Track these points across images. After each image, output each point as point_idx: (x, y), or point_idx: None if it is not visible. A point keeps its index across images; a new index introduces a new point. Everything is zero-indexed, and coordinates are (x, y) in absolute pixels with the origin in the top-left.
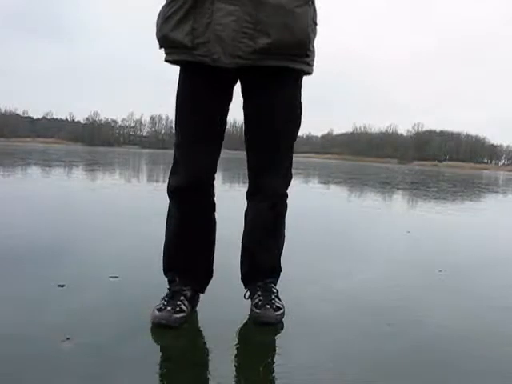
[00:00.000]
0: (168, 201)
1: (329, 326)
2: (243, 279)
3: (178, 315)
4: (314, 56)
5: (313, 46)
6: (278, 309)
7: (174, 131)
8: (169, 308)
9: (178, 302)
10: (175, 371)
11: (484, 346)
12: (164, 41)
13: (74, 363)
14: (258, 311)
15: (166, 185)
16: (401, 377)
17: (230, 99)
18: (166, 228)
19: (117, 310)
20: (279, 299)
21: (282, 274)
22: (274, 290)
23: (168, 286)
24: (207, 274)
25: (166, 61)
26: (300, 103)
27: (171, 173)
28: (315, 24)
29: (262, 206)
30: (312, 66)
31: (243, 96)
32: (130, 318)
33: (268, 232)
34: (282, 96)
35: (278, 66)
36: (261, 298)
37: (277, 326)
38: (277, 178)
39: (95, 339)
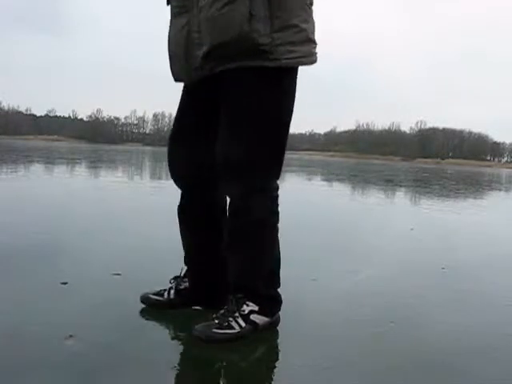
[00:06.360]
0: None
1: (329, 325)
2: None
3: None
4: (283, 48)
5: (273, 38)
6: (227, 327)
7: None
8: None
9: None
10: (178, 369)
11: (485, 345)
12: None
13: (77, 360)
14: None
15: (167, 183)
16: (402, 376)
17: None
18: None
19: (120, 307)
20: (245, 319)
21: (281, 273)
22: (245, 308)
23: None
24: None
25: None
26: (271, 99)
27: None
28: (267, 16)
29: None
30: (279, 59)
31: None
32: (133, 315)
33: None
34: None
35: (231, 68)
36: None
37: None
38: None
39: (98, 336)
